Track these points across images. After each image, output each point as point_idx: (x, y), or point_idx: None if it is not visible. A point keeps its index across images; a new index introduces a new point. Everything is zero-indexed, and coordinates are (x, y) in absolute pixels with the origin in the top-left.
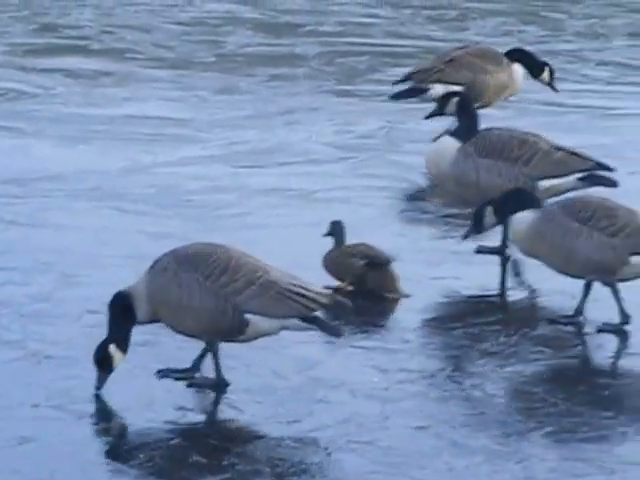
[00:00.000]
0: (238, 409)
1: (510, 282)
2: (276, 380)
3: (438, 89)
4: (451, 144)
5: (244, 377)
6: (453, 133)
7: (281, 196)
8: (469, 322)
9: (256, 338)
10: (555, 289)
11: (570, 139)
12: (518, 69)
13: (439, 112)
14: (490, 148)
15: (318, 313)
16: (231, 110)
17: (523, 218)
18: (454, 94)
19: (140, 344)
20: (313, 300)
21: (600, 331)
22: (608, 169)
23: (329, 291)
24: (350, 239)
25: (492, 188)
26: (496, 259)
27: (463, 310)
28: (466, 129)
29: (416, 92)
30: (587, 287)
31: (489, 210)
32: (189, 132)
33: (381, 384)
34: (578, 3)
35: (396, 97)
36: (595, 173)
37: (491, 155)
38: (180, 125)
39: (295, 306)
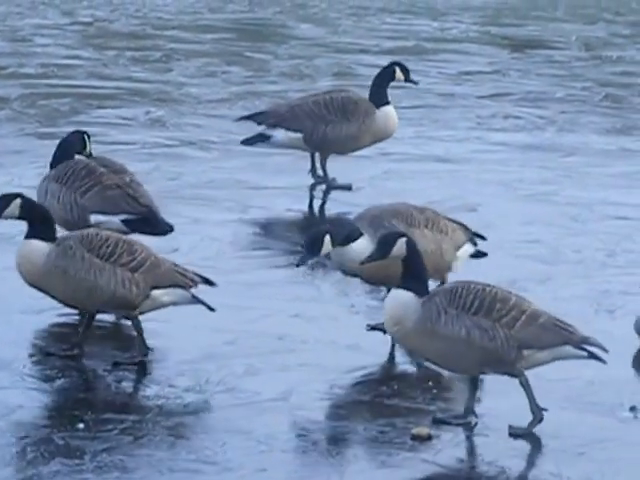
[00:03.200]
0: None
1: None
2: None
3: (280, 135)
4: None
5: None
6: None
7: None
8: None
9: None
10: None
11: (278, 180)
12: (386, 112)
13: None
14: (62, 175)
15: None
16: None
17: (37, 248)
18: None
19: None
20: None
21: (116, 364)
22: (162, 223)
23: None
24: None
25: (53, 211)
26: None
27: None
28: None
29: (263, 138)
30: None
31: (16, 202)
32: None
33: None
34: (283, 43)
35: (246, 142)
36: (146, 219)
37: (60, 181)
38: None
39: None
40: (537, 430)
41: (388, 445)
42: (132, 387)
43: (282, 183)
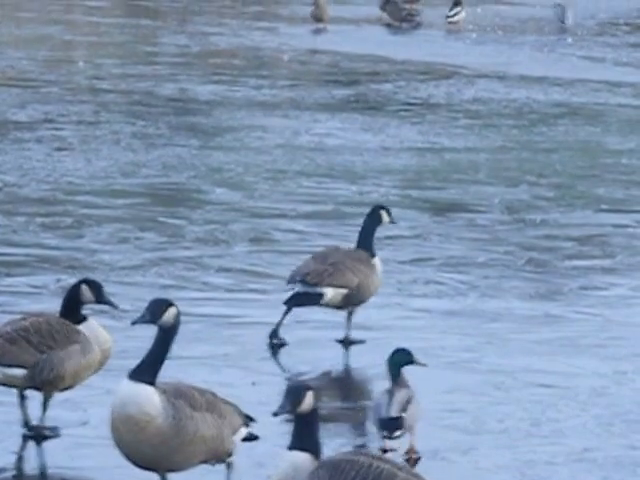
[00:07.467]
0: None
1: None
2: None
3: (330, 293)
4: None
5: None
6: None
7: None
8: None
9: None
10: None
11: (193, 349)
12: (378, 262)
13: None
14: None
15: None
16: None
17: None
18: None
19: None
20: None
21: None
22: None
23: None
24: None
25: None
26: None
27: None
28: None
29: (313, 297)
30: None
31: None
32: None
33: None
34: (198, 208)
35: (291, 303)
36: None
37: None
38: None
39: None
40: None
41: None
42: None
43: (198, 352)
